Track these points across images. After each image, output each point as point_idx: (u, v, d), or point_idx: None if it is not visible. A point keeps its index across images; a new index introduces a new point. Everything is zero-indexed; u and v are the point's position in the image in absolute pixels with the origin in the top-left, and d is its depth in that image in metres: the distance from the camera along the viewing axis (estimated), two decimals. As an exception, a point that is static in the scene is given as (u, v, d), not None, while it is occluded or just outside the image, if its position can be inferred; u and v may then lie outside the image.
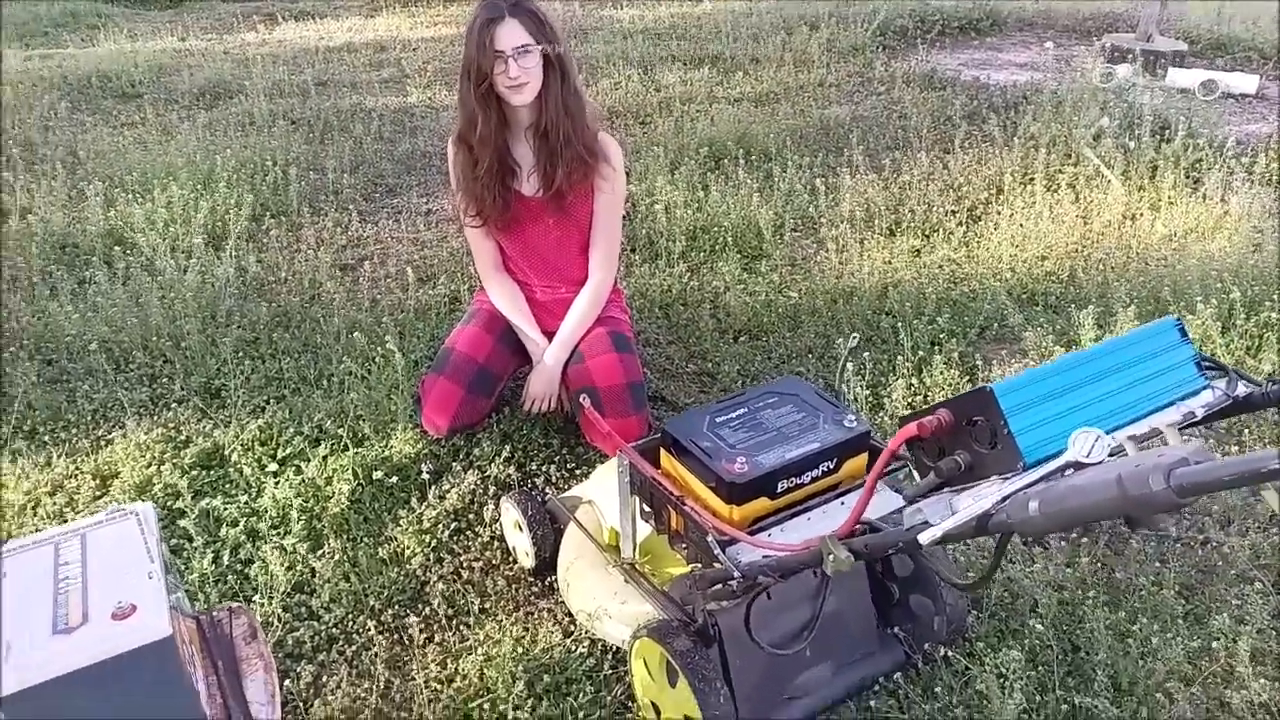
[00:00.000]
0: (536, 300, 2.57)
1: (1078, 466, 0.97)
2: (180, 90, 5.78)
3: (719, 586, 1.71)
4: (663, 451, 1.77)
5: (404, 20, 7.91)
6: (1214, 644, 1.83)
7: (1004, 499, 0.99)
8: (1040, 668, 1.85)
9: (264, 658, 1.43)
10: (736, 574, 1.53)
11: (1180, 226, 3.69)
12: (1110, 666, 1.82)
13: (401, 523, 2.31)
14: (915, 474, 1.38)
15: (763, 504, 1.62)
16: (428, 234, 3.92)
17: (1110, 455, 0.96)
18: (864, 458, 1.73)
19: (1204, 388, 1.18)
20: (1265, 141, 4.57)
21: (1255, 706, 1.73)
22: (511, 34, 2.19)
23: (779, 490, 1.62)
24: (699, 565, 1.71)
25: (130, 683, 1.15)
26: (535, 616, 2.09)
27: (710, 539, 1.55)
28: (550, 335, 2.52)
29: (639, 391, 2.43)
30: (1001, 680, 1.73)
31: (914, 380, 2.74)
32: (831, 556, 1.24)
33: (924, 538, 1.05)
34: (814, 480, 1.66)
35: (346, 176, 4.39)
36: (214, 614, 1.47)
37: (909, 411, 2.61)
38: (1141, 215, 3.80)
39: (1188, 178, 4.05)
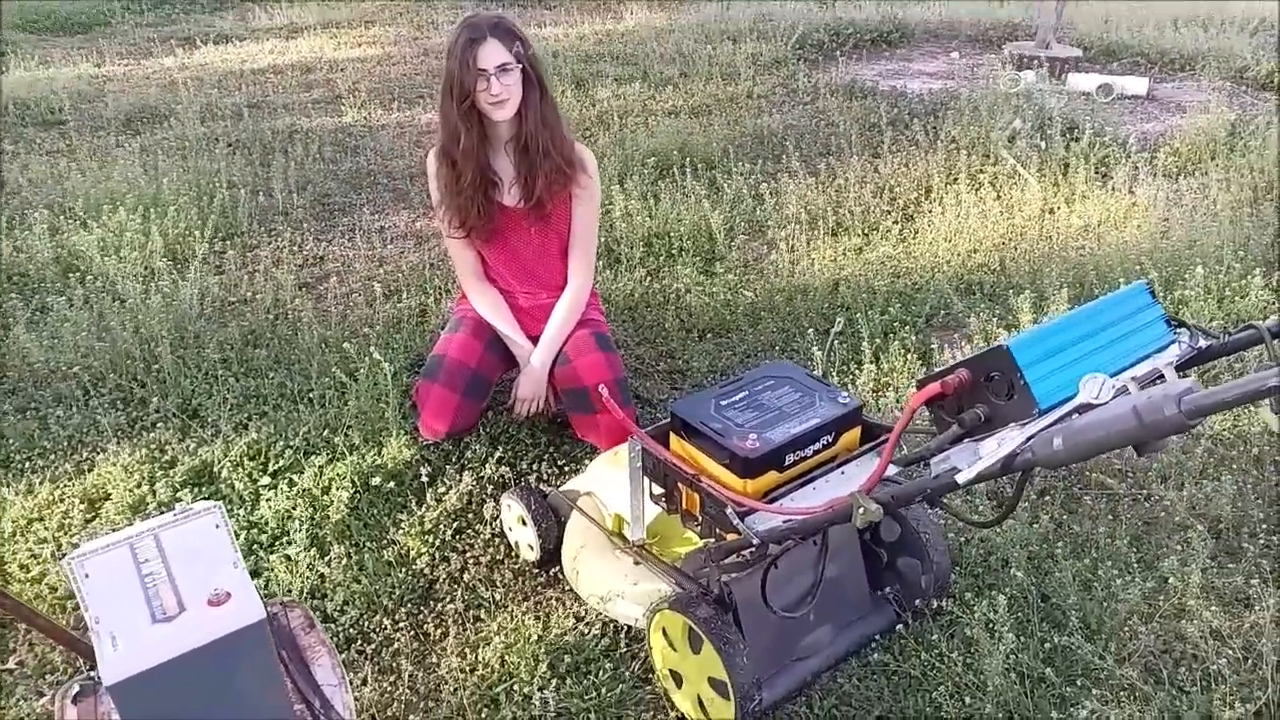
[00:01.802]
0: (519, 306, 2.67)
1: (1087, 408, 1.14)
2: (105, 116, 5.66)
3: (734, 557, 1.84)
4: (672, 435, 1.89)
5: (326, 41, 7.87)
6: (1170, 580, 2.04)
7: (1027, 440, 1.15)
8: (1018, 614, 2.03)
9: (325, 644, 1.50)
10: (755, 541, 1.66)
11: (1094, 217, 4.00)
12: (1080, 609, 2.02)
13: (403, 526, 2.38)
14: (903, 447, 1.52)
15: (772, 477, 1.76)
16: (385, 250, 3.96)
17: (1114, 396, 1.12)
18: (857, 431, 1.88)
19: (1172, 341, 1.37)
20: (1160, 138, 4.97)
21: (1210, 633, 1.94)
22: (493, 53, 2.30)
23: (787, 463, 1.76)
24: (712, 540, 1.83)
25: (229, 665, 1.21)
26: (545, 605, 2.18)
27: (729, 510, 1.68)
28: (534, 339, 2.61)
29: (624, 387, 2.55)
30: (989, 626, 1.90)
31: (872, 365, 2.93)
32: (861, 510, 1.38)
33: (961, 479, 1.19)
34: (815, 453, 1.81)
35: (294, 197, 4.39)
36: (269, 609, 1.53)
37: (879, 395, 2.81)
38: (1059, 209, 4.10)
39: (1097, 173, 4.38)
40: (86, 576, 1.28)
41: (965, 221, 3.96)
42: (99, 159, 4.69)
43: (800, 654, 1.96)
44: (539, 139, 2.42)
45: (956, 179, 4.32)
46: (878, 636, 2.02)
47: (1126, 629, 2.00)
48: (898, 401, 2.79)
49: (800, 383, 1.92)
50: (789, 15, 7.60)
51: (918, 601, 2.02)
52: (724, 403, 1.87)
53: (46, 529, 2.36)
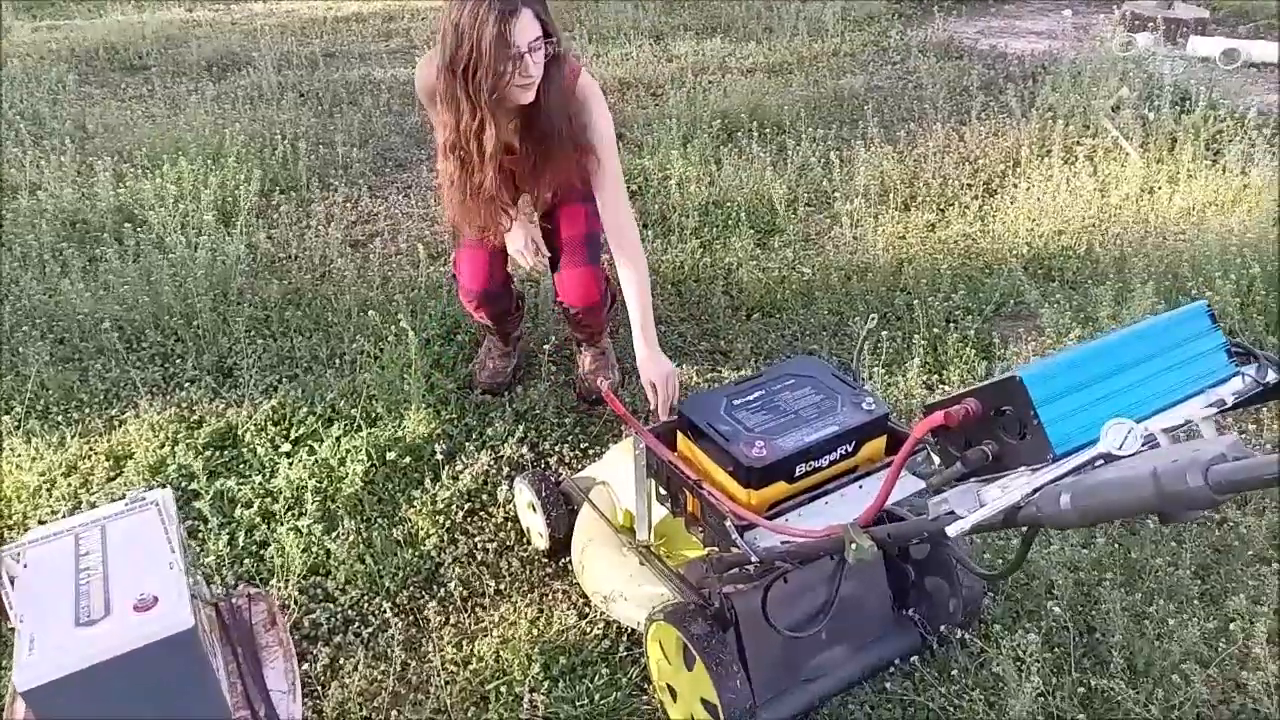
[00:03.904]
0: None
1: (1109, 458, 0.96)
2: (188, 62, 5.74)
3: (735, 570, 1.71)
4: (679, 434, 1.76)
5: (412, -12, 7.82)
6: (1231, 625, 1.82)
7: (1033, 491, 0.98)
8: (1056, 649, 1.85)
9: (283, 645, 1.43)
10: (754, 559, 1.53)
11: (1199, 199, 3.64)
12: (1126, 648, 1.82)
13: (415, 504, 2.32)
14: (936, 459, 1.36)
15: (780, 488, 1.61)
16: (438, 209, 3.89)
17: (1143, 446, 0.94)
18: (882, 441, 1.71)
19: (1234, 374, 1.17)
20: (1287, 111, 4.50)
21: (1272, 688, 1.72)
22: (528, 27, 1.97)
23: (797, 474, 1.61)
24: (715, 549, 1.70)
25: (153, 674, 1.15)
26: (550, 598, 2.09)
27: (728, 524, 1.54)
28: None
29: (595, 242, 2.45)
30: (1018, 663, 1.73)
31: (929, 358, 2.72)
32: (854, 545, 1.23)
33: (951, 530, 1.03)
34: (832, 464, 1.65)
35: (355, 151, 4.36)
36: (233, 600, 1.48)
37: (927, 394, 2.61)
38: (1160, 188, 3.75)
39: (1207, 149, 3.99)
40: (24, 568, 1.23)
41: (1054, 199, 3.65)
42: (172, 106, 4.75)
43: (809, 675, 1.82)
44: (557, 123, 2.12)
45: (1049, 151, 3.99)
46: (898, 660, 1.86)
47: (1178, 674, 1.78)
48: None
49: (823, 384, 1.76)
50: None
51: (943, 627, 1.85)
52: (736, 402, 1.72)
53: (70, 485, 2.38)
